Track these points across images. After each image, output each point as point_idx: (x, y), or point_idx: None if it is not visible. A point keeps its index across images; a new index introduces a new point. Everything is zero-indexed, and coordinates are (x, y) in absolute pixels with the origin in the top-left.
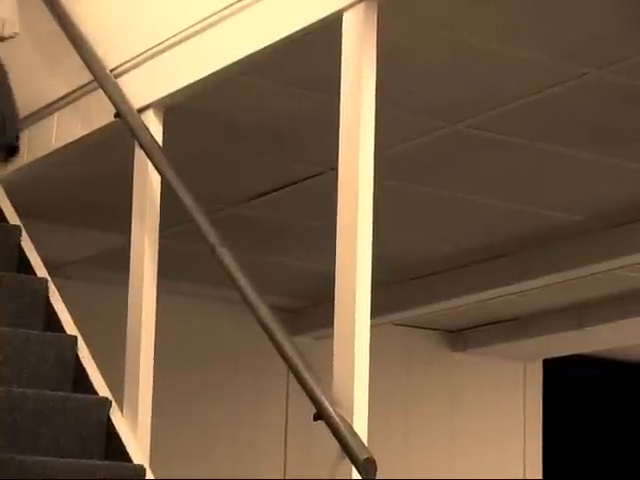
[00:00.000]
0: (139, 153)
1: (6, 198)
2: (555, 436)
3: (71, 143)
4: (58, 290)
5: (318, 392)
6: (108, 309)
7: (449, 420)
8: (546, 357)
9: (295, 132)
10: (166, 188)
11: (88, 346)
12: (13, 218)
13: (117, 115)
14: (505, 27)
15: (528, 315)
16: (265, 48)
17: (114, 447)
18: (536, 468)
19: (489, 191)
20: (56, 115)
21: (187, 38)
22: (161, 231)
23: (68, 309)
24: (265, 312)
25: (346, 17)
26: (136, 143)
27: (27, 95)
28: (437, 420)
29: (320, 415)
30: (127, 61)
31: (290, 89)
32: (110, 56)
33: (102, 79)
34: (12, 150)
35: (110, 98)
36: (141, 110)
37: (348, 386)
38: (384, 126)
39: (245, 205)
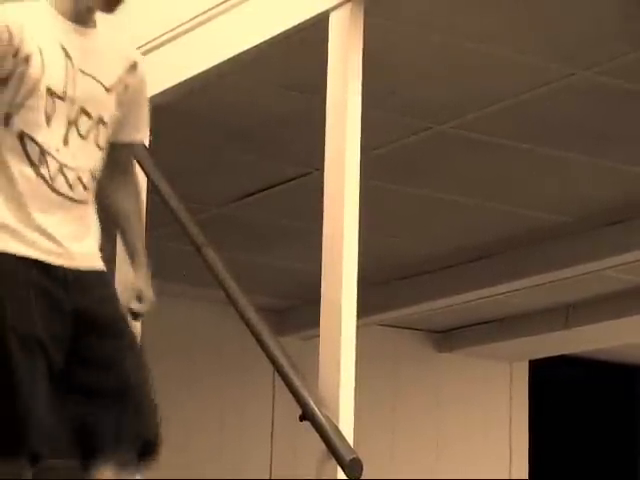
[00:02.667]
0: None
1: None
2: (541, 436)
3: None
4: None
5: (304, 393)
6: None
7: (435, 420)
8: (532, 358)
9: (281, 132)
10: (152, 189)
11: None
12: None
13: None
14: (491, 29)
15: (514, 316)
16: (252, 48)
17: None
18: (522, 468)
19: (474, 192)
20: None
21: (173, 38)
22: (147, 232)
23: None
24: (251, 312)
25: (332, 18)
26: None
27: None
28: (423, 420)
29: (306, 416)
30: None
31: (277, 89)
32: None
33: None
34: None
35: None
36: None
37: (334, 387)
38: (370, 127)
39: (231, 205)
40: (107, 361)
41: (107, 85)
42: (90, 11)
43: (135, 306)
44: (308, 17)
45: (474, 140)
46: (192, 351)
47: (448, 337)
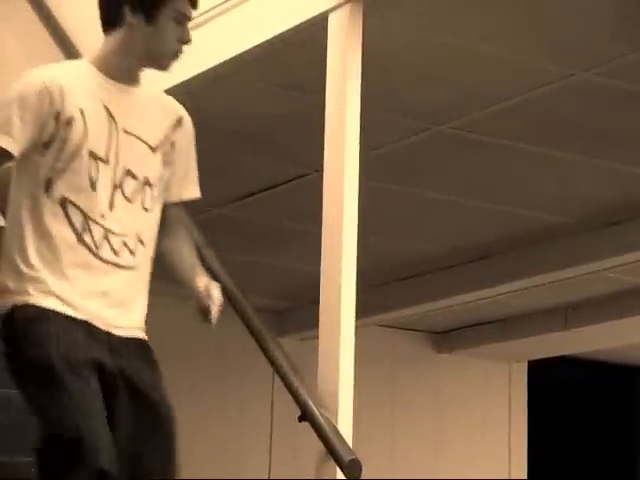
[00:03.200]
0: None
1: None
2: (540, 437)
3: None
4: None
5: (303, 394)
6: None
7: (434, 421)
8: (531, 358)
9: (281, 133)
10: None
11: None
12: (1, 220)
13: None
14: (490, 29)
15: (514, 316)
16: (251, 49)
17: None
18: (521, 469)
19: (474, 192)
20: None
21: None
22: None
23: None
24: (251, 313)
25: (331, 18)
26: None
27: None
28: (423, 421)
29: (305, 416)
30: None
31: (276, 90)
32: None
33: None
34: None
35: None
36: None
37: (333, 387)
38: (369, 127)
39: (231, 206)
40: (139, 434)
41: (152, 144)
42: (135, 70)
43: (208, 305)
44: (307, 18)
45: (473, 141)
46: (192, 351)
47: (447, 338)
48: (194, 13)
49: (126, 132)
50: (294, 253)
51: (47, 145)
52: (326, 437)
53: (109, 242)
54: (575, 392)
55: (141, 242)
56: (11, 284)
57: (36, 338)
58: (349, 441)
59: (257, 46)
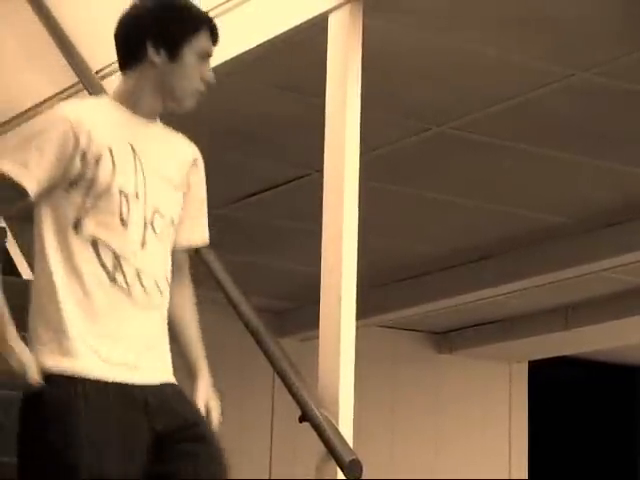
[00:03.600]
0: None
1: None
2: (540, 437)
3: None
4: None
5: (304, 394)
6: None
7: (435, 421)
8: (532, 359)
9: (280, 134)
10: None
11: None
12: None
13: None
14: (490, 30)
15: (514, 317)
16: (251, 49)
17: None
18: (521, 469)
19: (473, 193)
20: None
21: None
22: None
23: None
24: (251, 314)
25: (331, 19)
26: None
27: (12, 96)
28: (423, 421)
29: (305, 417)
30: (112, 63)
31: (276, 90)
32: (95, 57)
33: (87, 80)
34: None
35: None
36: None
37: (334, 388)
38: (369, 128)
39: (231, 207)
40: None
41: (175, 183)
42: (156, 108)
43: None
44: (307, 18)
45: (474, 141)
46: None
47: (448, 338)
48: None
49: (151, 169)
50: (294, 253)
51: (74, 184)
52: (326, 437)
53: (141, 281)
54: (576, 392)
55: (167, 281)
56: (41, 331)
57: (63, 435)
58: (349, 441)
59: (257, 46)
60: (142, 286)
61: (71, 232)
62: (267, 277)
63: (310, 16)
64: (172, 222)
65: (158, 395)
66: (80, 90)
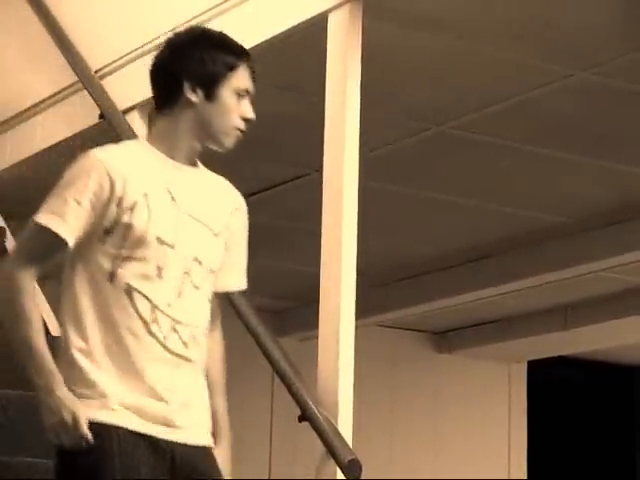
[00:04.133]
0: None
1: None
2: (540, 437)
3: (56, 144)
4: (42, 291)
5: (303, 394)
6: None
7: (434, 421)
8: (531, 358)
9: (280, 133)
10: None
11: None
12: None
13: (102, 116)
14: (490, 29)
15: (513, 316)
16: (250, 49)
17: None
18: (521, 469)
19: (474, 192)
20: (40, 116)
21: None
22: None
23: (52, 310)
24: (250, 313)
25: (331, 18)
26: None
27: (11, 95)
28: (422, 421)
29: (305, 416)
30: (112, 62)
31: (275, 90)
32: (95, 57)
33: (87, 80)
34: None
35: (95, 99)
36: (126, 111)
37: (333, 387)
38: (369, 128)
39: None
40: None
41: (215, 230)
42: (195, 149)
43: None
44: (307, 18)
45: (473, 141)
46: None
47: (447, 338)
48: (191, 14)
49: (190, 216)
50: (294, 253)
51: (109, 232)
52: (326, 437)
53: (178, 333)
54: (574, 392)
55: (204, 333)
56: (74, 385)
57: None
58: (349, 441)
59: (256, 46)
60: (179, 338)
61: (106, 282)
62: (266, 277)
63: (310, 16)
64: (211, 271)
65: (187, 456)
66: (79, 90)
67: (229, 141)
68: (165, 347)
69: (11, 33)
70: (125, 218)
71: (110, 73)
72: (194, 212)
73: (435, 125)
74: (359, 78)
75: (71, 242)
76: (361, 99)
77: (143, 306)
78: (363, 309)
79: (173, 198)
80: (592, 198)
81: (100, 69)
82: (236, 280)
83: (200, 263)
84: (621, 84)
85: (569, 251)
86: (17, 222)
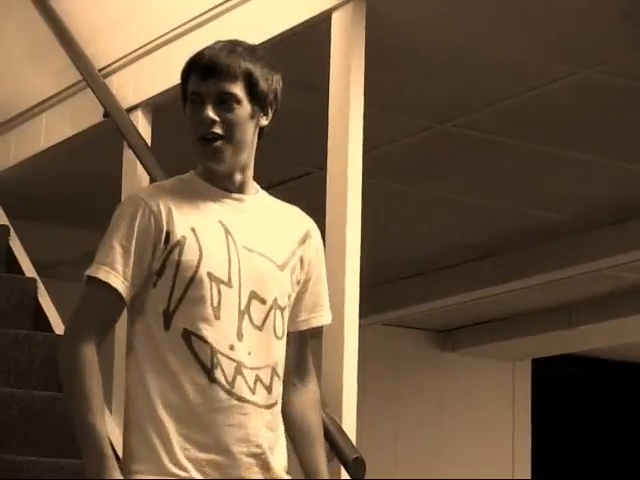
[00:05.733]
0: (128, 153)
1: None
2: (544, 435)
3: (60, 143)
4: (47, 290)
5: None
6: None
7: (438, 420)
8: (535, 357)
9: (283, 131)
10: None
11: None
12: (1, 217)
13: (106, 115)
14: (493, 27)
15: (517, 315)
16: None
17: None
18: (525, 468)
19: (477, 191)
20: (45, 115)
21: (176, 38)
22: None
23: (57, 309)
24: None
25: (335, 17)
26: (125, 143)
27: (15, 94)
28: (426, 420)
29: None
30: (116, 61)
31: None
32: (99, 55)
33: (91, 79)
34: None
35: (99, 98)
36: (130, 110)
37: (337, 386)
38: (372, 126)
39: None
40: None
41: (279, 262)
42: (242, 175)
43: None
44: (310, 16)
45: (476, 139)
46: None
47: (451, 336)
48: (195, 12)
49: (247, 249)
50: None
51: (160, 273)
52: (330, 436)
53: (243, 377)
54: (579, 390)
55: (277, 375)
56: (136, 448)
57: None
58: (353, 440)
59: (260, 44)
60: (245, 382)
61: (160, 329)
62: None
63: (313, 14)
64: (277, 308)
65: None
66: (83, 88)
67: (206, 159)
68: (231, 393)
69: (15, 32)
70: (174, 256)
71: (114, 71)
72: (252, 244)
73: (438, 123)
74: (363, 76)
75: (122, 290)
76: (365, 97)
77: (203, 351)
78: (367, 308)
79: (227, 231)
80: (597, 196)
81: (104, 67)
82: (318, 316)
83: (261, 301)
84: (626, 82)
85: (574, 249)
86: (21, 221)
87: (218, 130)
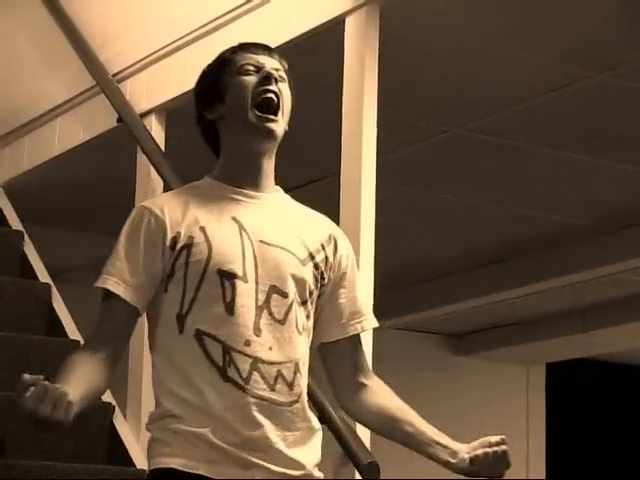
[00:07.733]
0: (141, 158)
1: (9, 203)
2: (558, 440)
3: (73, 148)
4: (61, 295)
5: (321, 396)
6: None
7: (452, 423)
8: (549, 361)
9: (296, 136)
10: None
11: None
12: (15, 223)
13: (119, 120)
14: (506, 31)
15: (531, 319)
16: None
17: (117, 451)
18: (539, 473)
19: (490, 195)
20: (58, 120)
21: (189, 43)
22: None
23: (71, 314)
24: None
25: (348, 21)
26: (138, 148)
27: (29, 100)
28: (440, 424)
29: (323, 419)
30: (129, 66)
31: (292, 93)
32: (112, 61)
33: (104, 84)
34: None
35: (112, 103)
36: (143, 115)
37: None
38: (386, 130)
39: None
40: None
41: (300, 255)
42: (252, 169)
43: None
44: (324, 21)
45: (490, 143)
46: None
47: (465, 340)
48: (208, 17)
49: (265, 243)
50: None
51: (170, 277)
52: (344, 440)
53: (261, 374)
54: (594, 394)
55: (299, 371)
56: (158, 436)
57: None
58: (367, 443)
59: (274, 49)
60: (263, 379)
61: (175, 333)
62: None
63: (327, 19)
64: (299, 302)
65: None
66: (97, 93)
67: (259, 129)
68: (246, 391)
69: (28, 37)
70: (182, 258)
71: (128, 77)
72: (270, 238)
73: (453, 127)
74: (376, 81)
75: (138, 304)
76: (378, 102)
77: (215, 350)
78: (381, 312)
79: (242, 226)
80: (611, 200)
81: (117, 73)
82: (362, 320)
83: (282, 294)
84: (638, 86)
85: (588, 253)
86: (35, 226)
87: (277, 101)
